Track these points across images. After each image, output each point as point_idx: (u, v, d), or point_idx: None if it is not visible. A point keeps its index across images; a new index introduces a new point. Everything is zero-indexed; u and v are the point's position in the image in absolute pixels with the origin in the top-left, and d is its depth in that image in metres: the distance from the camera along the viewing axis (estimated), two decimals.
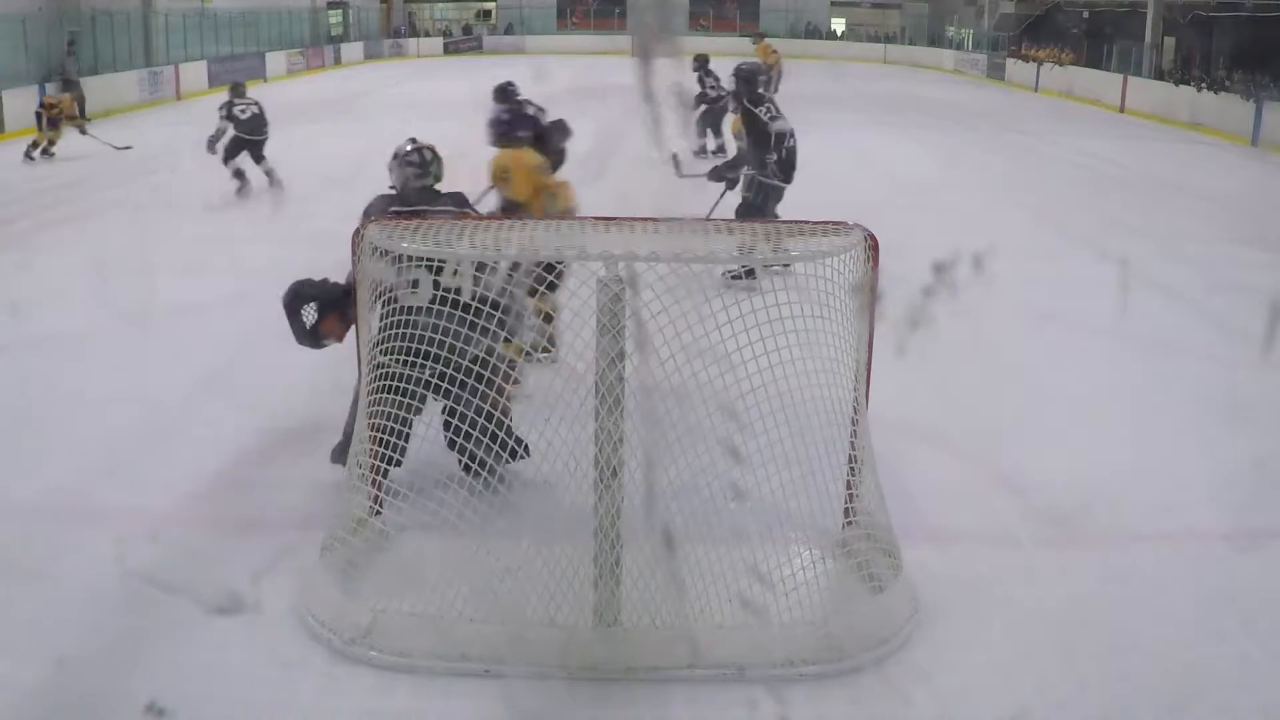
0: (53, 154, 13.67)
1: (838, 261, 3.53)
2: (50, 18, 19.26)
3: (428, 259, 3.67)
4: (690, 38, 37.20)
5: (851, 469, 3.78)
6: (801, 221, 3.61)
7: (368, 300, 3.82)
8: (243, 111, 11.01)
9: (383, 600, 3.52)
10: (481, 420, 3.76)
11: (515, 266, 3.94)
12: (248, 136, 11.03)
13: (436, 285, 3.77)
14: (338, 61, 32.48)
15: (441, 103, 19.64)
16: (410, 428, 3.88)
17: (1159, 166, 15.40)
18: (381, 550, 3.84)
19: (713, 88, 12.95)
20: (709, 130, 13.10)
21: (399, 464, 3.85)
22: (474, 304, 3.71)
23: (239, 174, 11.08)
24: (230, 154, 11.03)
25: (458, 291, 3.71)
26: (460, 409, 3.82)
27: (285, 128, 12.50)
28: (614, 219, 3.71)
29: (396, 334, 3.71)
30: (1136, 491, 4.65)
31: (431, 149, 4.69)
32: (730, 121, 9.53)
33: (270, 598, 3.65)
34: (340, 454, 4.52)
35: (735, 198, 7.76)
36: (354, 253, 3.71)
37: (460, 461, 3.84)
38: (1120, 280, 7.21)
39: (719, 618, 3.42)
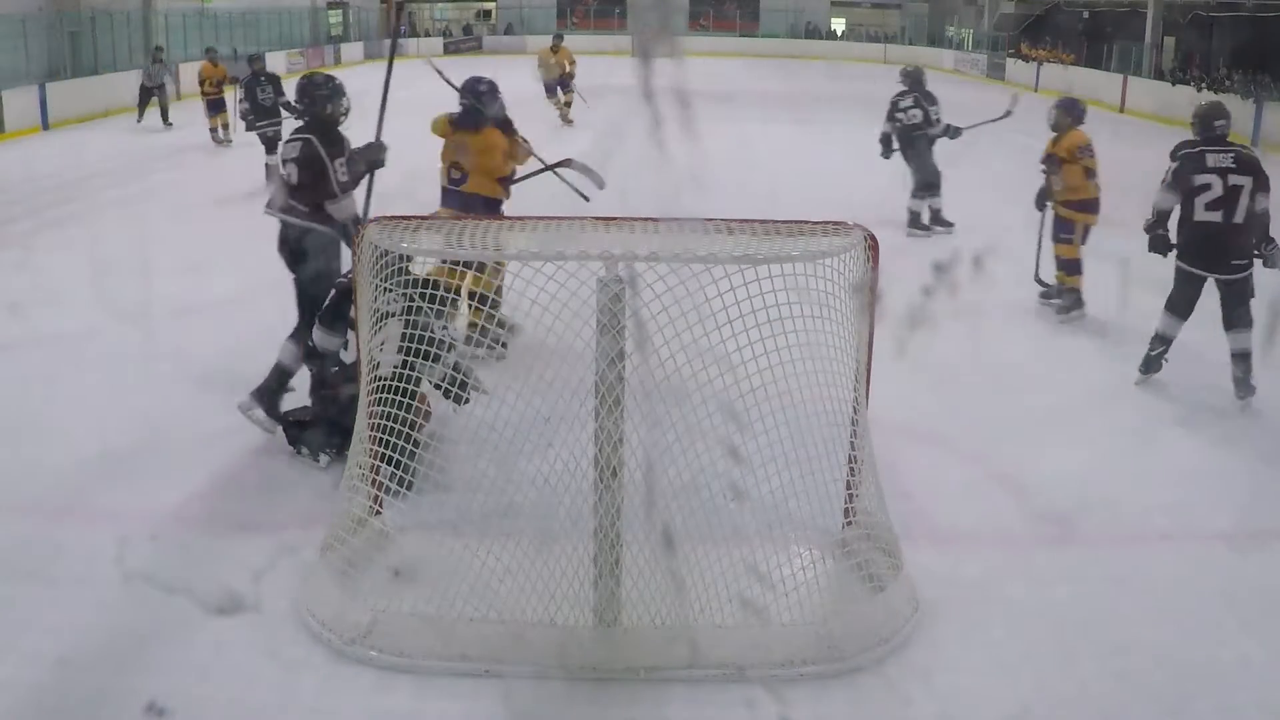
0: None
1: (838, 261, 3.53)
2: (50, 18, 19.25)
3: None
4: (690, 38, 37.22)
5: (851, 469, 3.77)
6: (801, 221, 3.61)
7: (368, 301, 3.81)
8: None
9: (383, 600, 3.52)
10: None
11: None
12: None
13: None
14: (338, 61, 32.44)
15: (442, 102, 19.63)
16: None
17: (1159, 166, 15.37)
18: (381, 550, 3.84)
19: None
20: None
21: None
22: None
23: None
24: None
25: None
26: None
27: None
28: (614, 219, 3.71)
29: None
30: (1136, 491, 4.65)
31: None
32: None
33: (270, 598, 3.65)
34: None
35: None
36: (354, 253, 3.71)
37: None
38: (1120, 280, 7.20)
39: (719, 618, 3.42)
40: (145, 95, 16.89)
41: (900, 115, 9.66)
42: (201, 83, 14.68)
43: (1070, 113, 7.38)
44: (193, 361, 6.04)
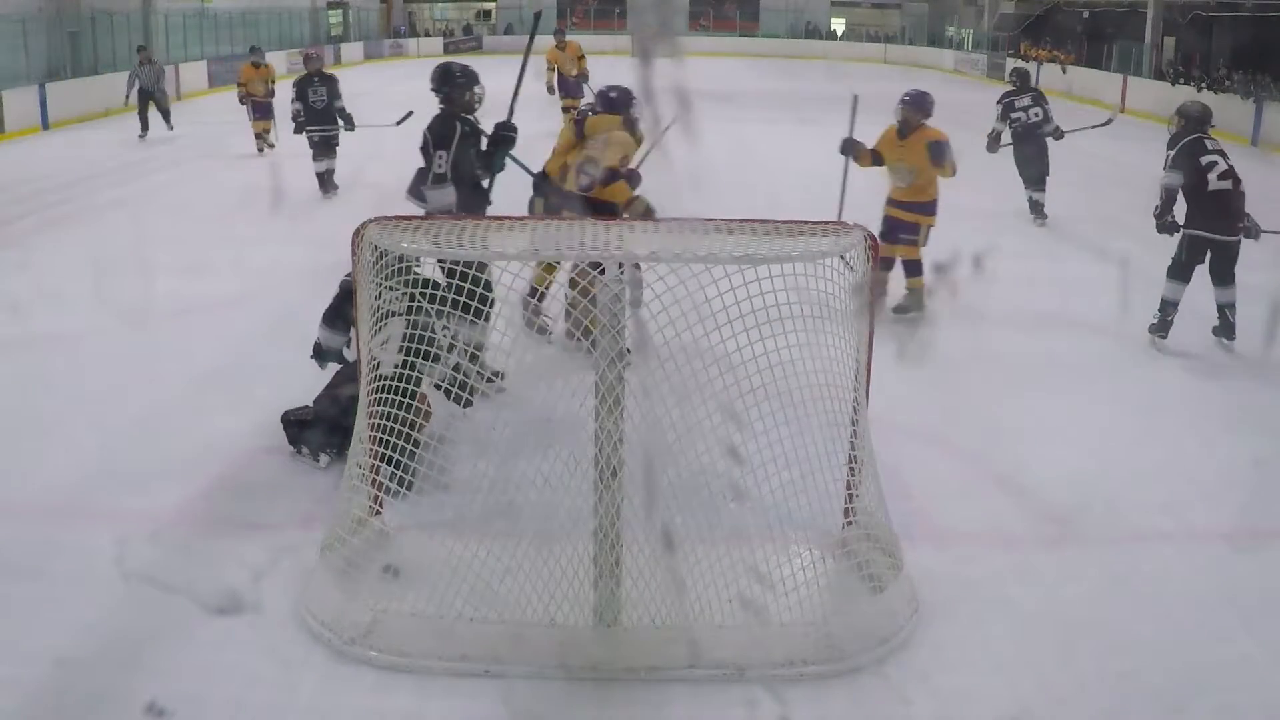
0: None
1: (838, 261, 3.53)
2: (50, 17, 19.26)
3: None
4: (690, 38, 37.20)
5: (851, 469, 3.77)
6: (801, 221, 3.61)
7: (368, 302, 3.81)
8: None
9: (383, 600, 3.52)
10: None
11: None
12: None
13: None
14: (338, 61, 32.42)
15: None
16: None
17: (1159, 166, 15.35)
18: (381, 550, 3.84)
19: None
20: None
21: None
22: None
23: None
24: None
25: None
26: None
27: (285, 128, 12.48)
28: (614, 219, 3.71)
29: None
30: (1136, 491, 4.65)
31: None
32: None
33: (270, 598, 3.65)
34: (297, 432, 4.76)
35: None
36: (354, 253, 3.71)
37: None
38: (1120, 280, 7.21)
39: (719, 618, 3.42)
40: (144, 101, 15.23)
41: (1019, 114, 10.21)
42: (240, 85, 13.61)
43: (921, 108, 7.01)
44: (193, 361, 6.04)
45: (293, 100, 11.07)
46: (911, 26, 41.50)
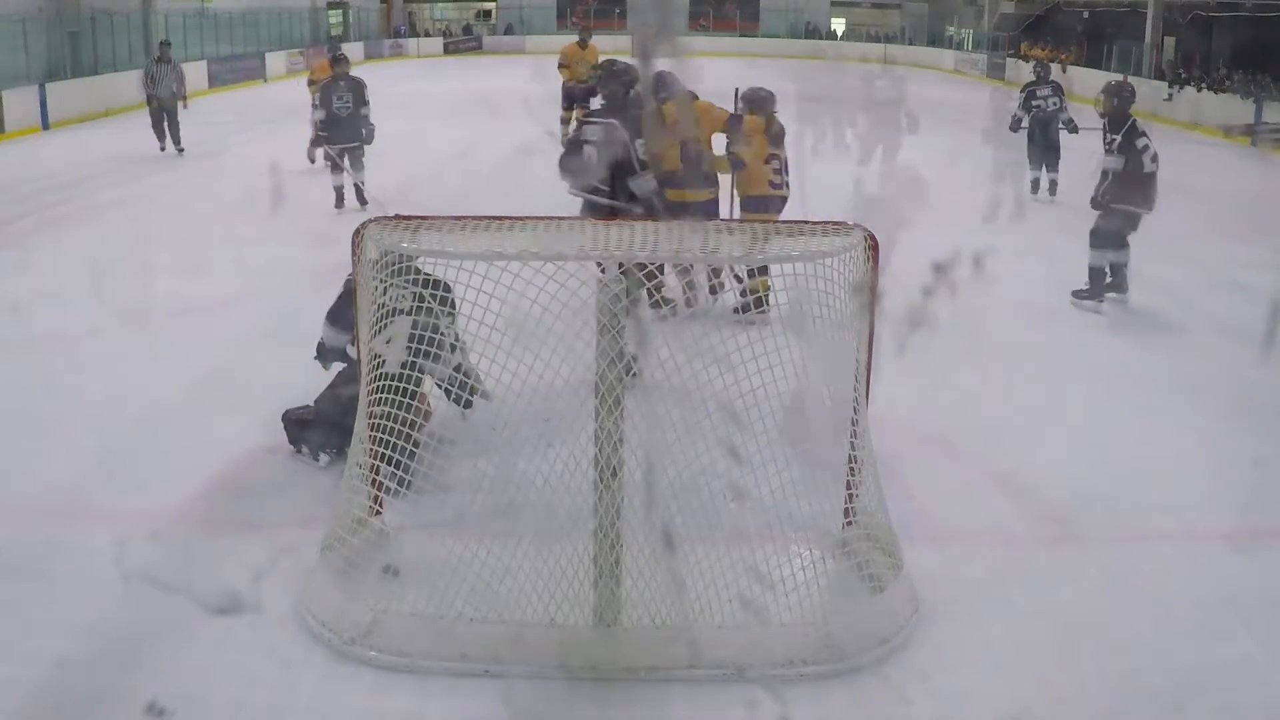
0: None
1: (838, 261, 3.53)
2: (50, 18, 19.25)
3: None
4: (690, 38, 37.18)
5: (851, 469, 3.77)
6: (802, 221, 3.61)
7: (368, 302, 3.81)
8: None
9: (383, 600, 3.52)
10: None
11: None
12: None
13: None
14: None
15: (443, 102, 19.65)
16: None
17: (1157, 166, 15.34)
18: (381, 550, 3.84)
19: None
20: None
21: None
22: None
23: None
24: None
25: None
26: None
27: (285, 128, 12.48)
28: (615, 219, 3.70)
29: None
30: (1136, 491, 4.65)
31: None
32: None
33: (270, 598, 3.65)
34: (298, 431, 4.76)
35: None
36: (354, 253, 3.71)
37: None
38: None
39: (719, 618, 3.42)
40: (157, 110, 13.58)
41: (1040, 103, 11.21)
42: (311, 83, 12.37)
43: (749, 103, 6.79)
44: (193, 361, 6.04)
45: (315, 106, 10.18)
46: (911, 26, 41.49)
